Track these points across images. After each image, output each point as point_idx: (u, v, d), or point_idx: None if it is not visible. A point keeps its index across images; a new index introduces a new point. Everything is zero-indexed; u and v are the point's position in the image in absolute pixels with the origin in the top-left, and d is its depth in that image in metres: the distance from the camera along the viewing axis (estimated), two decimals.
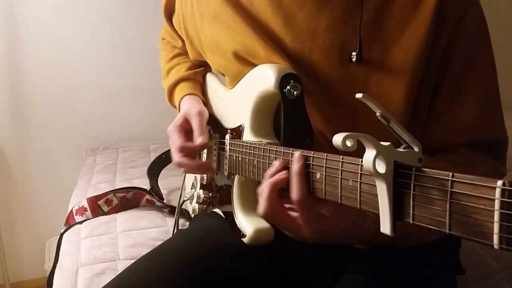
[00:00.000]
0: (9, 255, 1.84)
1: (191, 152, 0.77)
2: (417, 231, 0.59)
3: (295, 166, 0.52)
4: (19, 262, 1.89)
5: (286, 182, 0.54)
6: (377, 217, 0.58)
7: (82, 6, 1.75)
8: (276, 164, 0.56)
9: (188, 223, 1.05)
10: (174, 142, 0.77)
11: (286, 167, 0.55)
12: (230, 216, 0.75)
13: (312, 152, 0.52)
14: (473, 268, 0.90)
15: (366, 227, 0.57)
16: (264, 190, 0.55)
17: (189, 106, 0.82)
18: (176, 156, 0.76)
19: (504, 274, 0.97)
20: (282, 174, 0.54)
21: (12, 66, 1.73)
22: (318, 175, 0.51)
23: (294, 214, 0.55)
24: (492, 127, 0.70)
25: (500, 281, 0.96)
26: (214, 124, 0.86)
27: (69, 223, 1.16)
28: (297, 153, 0.53)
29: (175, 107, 0.91)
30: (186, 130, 0.79)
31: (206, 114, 0.81)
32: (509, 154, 0.73)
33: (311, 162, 0.52)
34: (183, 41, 0.92)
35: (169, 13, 0.94)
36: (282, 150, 0.58)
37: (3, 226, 1.82)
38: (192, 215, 0.99)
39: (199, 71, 0.92)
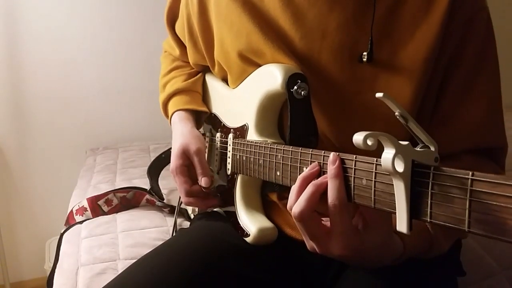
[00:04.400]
0: (9, 255, 1.84)
1: (198, 194, 0.82)
2: (439, 241, 0.60)
3: (331, 168, 0.50)
4: (19, 262, 1.89)
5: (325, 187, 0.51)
6: (404, 234, 0.57)
7: (82, 6, 1.76)
8: (314, 165, 0.53)
9: (187, 222, 1.05)
10: (181, 186, 0.81)
11: (323, 171, 0.52)
12: (232, 215, 0.75)
13: (323, 151, 0.52)
14: (473, 268, 0.90)
15: (396, 245, 0.56)
16: (305, 190, 0.52)
17: (184, 137, 0.81)
18: (185, 199, 0.83)
19: (504, 274, 0.97)
20: (325, 177, 0.51)
21: (12, 66, 1.73)
22: None
23: (327, 224, 0.52)
24: (494, 132, 0.71)
25: (500, 281, 0.96)
26: (215, 123, 0.86)
27: (69, 223, 1.16)
28: (331, 155, 0.50)
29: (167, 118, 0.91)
30: (188, 167, 0.81)
31: (203, 147, 0.81)
32: (509, 154, 0.74)
33: (322, 161, 0.52)
34: (181, 48, 0.92)
35: (172, 19, 0.93)
36: (291, 149, 0.58)
37: (3, 226, 1.82)
38: (192, 215, 0.99)
39: (196, 80, 0.91)
